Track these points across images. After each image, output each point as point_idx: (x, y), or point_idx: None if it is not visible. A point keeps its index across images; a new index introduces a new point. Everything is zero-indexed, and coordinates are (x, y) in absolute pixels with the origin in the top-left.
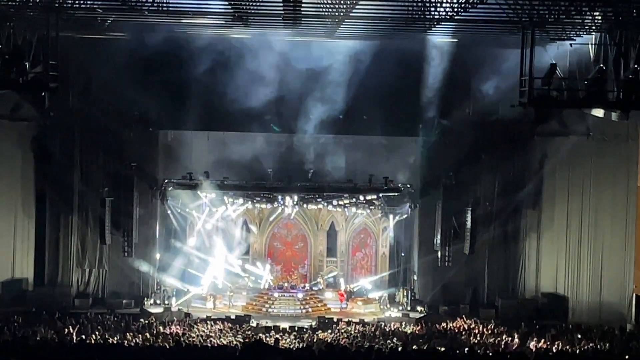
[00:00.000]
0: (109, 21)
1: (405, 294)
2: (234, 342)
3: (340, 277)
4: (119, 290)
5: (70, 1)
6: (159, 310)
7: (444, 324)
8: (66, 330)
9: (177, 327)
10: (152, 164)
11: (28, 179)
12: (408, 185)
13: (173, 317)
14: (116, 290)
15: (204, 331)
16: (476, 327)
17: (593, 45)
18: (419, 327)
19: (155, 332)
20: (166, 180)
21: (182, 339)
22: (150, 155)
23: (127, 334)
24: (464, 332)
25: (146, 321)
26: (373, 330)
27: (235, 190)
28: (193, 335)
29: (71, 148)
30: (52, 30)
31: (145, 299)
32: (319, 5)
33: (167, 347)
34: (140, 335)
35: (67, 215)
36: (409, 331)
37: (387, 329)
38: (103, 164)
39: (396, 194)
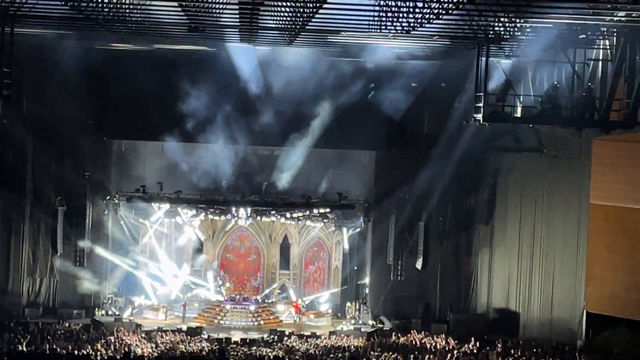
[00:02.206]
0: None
1: (357, 307)
2: (186, 354)
3: (291, 289)
4: (70, 300)
5: (25, 9)
6: (110, 320)
7: (395, 338)
8: (16, 340)
9: (128, 338)
10: (105, 173)
11: None
12: (361, 201)
13: (122, 328)
14: (67, 300)
15: (155, 342)
16: (427, 341)
17: (548, 62)
18: (371, 341)
19: (105, 342)
20: (119, 192)
21: (133, 350)
22: (104, 164)
23: (77, 344)
24: (415, 347)
25: (97, 332)
26: (325, 344)
27: (188, 203)
28: (144, 346)
29: (24, 156)
30: (7, 37)
31: (96, 309)
32: (275, 18)
33: (118, 358)
34: (90, 346)
35: (19, 224)
36: (360, 345)
37: (340, 343)
38: (56, 173)
39: (349, 210)
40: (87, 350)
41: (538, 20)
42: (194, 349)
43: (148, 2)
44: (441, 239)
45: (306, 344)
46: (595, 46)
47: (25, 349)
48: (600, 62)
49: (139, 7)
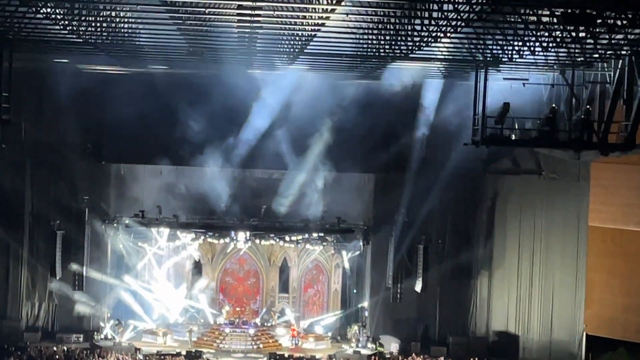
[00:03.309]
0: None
1: (356, 330)
2: None
3: (291, 313)
4: (69, 324)
5: (24, 33)
6: (109, 344)
7: None
8: None
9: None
10: (104, 197)
11: None
12: (360, 224)
13: (122, 352)
14: (66, 324)
15: None
16: None
17: (546, 85)
18: None
19: None
20: (118, 216)
21: None
22: (102, 188)
23: None
24: None
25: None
26: None
27: (187, 228)
28: None
29: (22, 180)
30: (5, 62)
31: (96, 333)
32: (274, 42)
33: None
34: None
35: (17, 248)
36: None
37: None
38: (54, 197)
39: (348, 234)
40: None
41: (536, 43)
42: None
43: (147, 27)
44: (440, 262)
45: None
46: (594, 68)
47: None
48: (598, 85)
49: (137, 31)
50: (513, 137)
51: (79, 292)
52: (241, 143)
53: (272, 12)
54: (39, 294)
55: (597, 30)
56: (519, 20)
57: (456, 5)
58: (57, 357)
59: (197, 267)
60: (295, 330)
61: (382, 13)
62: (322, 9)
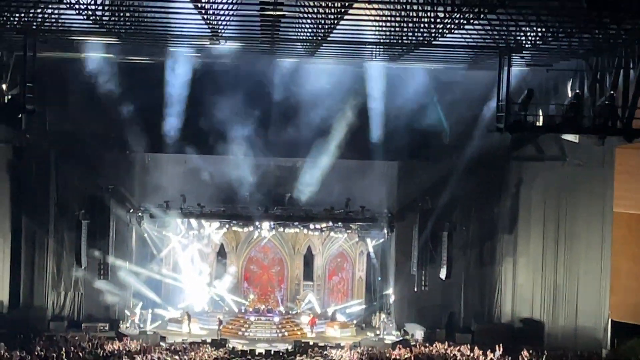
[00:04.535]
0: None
1: (381, 318)
2: None
3: (316, 301)
4: (95, 314)
5: (48, 24)
6: (135, 333)
7: (422, 348)
8: (42, 352)
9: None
10: (128, 186)
11: (3, 201)
12: (385, 211)
13: (147, 341)
14: (91, 313)
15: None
16: (452, 350)
17: (569, 71)
18: (397, 351)
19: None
20: (143, 207)
21: None
22: (127, 177)
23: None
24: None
25: (122, 346)
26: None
27: (211, 217)
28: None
29: (47, 170)
30: (29, 52)
31: (121, 322)
32: (296, 29)
33: None
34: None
35: (43, 238)
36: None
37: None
38: (79, 186)
39: (372, 223)
40: None
41: (559, 28)
42: None
43: (171, 15)
44: (465, 249)
45: (341, 355)
46: (617, 54)
47: None
48: (622, 70)
49: (161, 19)
50: (537, 123)
51: (104, 281)
52: (265, 131)
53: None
54: (64, 283)
55: (621, 15)
56: (542, 6)
57: None
58: (82, 345)
59: (222, 256)
60: (315, 319)
61: (405, 0)
62: None
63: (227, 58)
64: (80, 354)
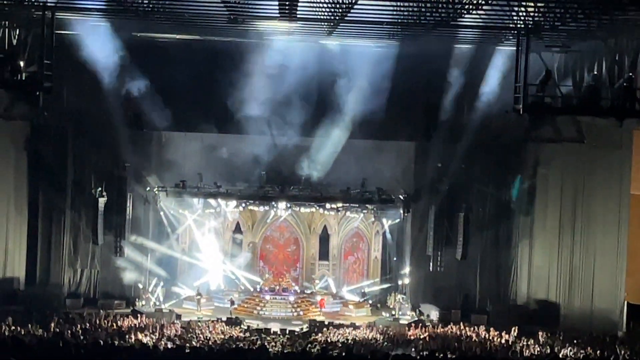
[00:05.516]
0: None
1: (396, 298)
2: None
3: (331, 281)
4: (111, 291)
5: (64, 1)
6: (150, 311)
7: (437, 329)
8: (58, 329)
9: (171, 328)
10: (145, 164)
11: (21, 178)
12: (401, 192)
13: (164, 318)
14: (108, 290)
15: (201, 332)
16: (468, 331)
17: (588, 53)
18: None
19: (149, 332)
20: (159, 187)
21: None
22: (144, 155)
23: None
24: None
25: (137, 323)
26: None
27: (228, 197)
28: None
29: (64, 148)
30: (47, 29)
31: (137, 299)
32: (314, 8)
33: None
34: (134, 336)
35: (60, 215)
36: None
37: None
38: (96, 164)
39: (388, 204)
40: (131, 341)
41: (578, 10)
42: (234, 340)
43: None
44: (481, 230)
45: (345, 334)
46: (636, 36)
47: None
48: None
49: None
50: (555, 105)
51: (120, 259)
52: (281, 111)
53: None
54: (80, 260)
55: None
56: None
57: None
58: (98, 322)
59: (238, 232)
60: (323, 300)
61: None
62: None
63: (244, 37)
64: (96, 330)
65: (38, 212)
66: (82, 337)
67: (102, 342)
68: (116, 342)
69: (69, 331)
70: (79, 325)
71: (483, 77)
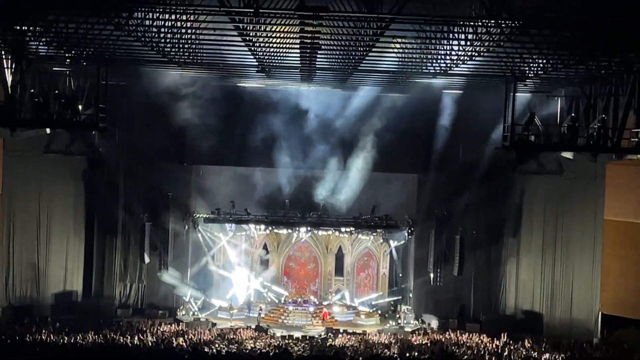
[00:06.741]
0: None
1: (402, 309)
2: (263, 350)
3: (346, 294)
4: (156, 302)
5: (117, 54)
6: (189, 319)
7: (437, 335)
8: (110, 335)
9: (206, 334)
10: (185, 193)
11: (79, 206)
12: (406, 216)
13: (201, 326)
14: (153, 302)
15: (233, 339)
16: (463, 338)
17: (567, 97)
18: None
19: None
20: (197, 215)
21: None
22: (184, 186)
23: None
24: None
25: (180, 328)
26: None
27: (257, 223)
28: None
29: (116, 179)
30: (102, 78)
31: (178, 310)
32: (331, 60)
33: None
34: (175, 341)
35: (112, 237)
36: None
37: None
38: (143, 194)
39: (394, 229)
40: (172, 344)
41: (558, 60)
42: (262, 345)
43: (223, 47)
44: (475, 250)
45: (356, 340)
46: (609, 83)
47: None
48: (612, 96)
49: (214, 52)
50: (538, 142)
51: (164, 274)
52: (302, 147)
53: (330, 34)
54: (130, 276)
55: (612, 49)
56: (543, 41)
57: (489, 28)
58: (145, 329)
59: (265, 252)
60: (327, 313)
61: (424, 35)
62: (372, 32)
63: (271, 84)
64: (142, 336)
65: (93, 234)
66: (131, 340)
67: (149, 345)
68: (161, 346)
69: (120, 337)
70: (127, 332)
71: (475, 118)
